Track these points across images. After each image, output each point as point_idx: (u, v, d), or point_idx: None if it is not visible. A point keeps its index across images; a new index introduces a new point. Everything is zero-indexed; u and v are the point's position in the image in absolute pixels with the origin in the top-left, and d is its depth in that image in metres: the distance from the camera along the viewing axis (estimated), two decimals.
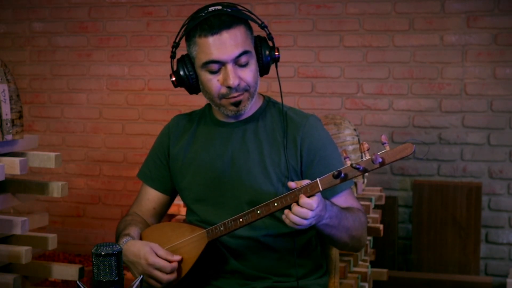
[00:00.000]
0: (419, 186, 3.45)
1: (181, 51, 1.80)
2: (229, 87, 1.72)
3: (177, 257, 1.70)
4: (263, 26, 1.80)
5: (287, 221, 1.56)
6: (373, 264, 3.02)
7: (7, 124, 2.02)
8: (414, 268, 3.45)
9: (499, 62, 3.45)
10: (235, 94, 1.74)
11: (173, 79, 1.81)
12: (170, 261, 1.69)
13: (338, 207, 1.67)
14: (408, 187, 3.60)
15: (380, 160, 1.49)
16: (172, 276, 1.68)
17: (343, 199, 1.78)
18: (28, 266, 2.12)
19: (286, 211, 1.56)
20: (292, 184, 1.57)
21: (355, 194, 2.70)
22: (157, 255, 1.68)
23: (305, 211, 1.53)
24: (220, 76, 1.73)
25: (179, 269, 1.72)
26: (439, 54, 3.52)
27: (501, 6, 3.43)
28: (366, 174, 2.43)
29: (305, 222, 1.54)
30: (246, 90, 1.75)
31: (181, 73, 1.79)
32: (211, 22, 1.70)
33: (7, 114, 2.02)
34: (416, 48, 3.55)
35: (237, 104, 1.75)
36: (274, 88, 3.67)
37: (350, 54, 3.64)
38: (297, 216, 1.54)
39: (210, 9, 1.73)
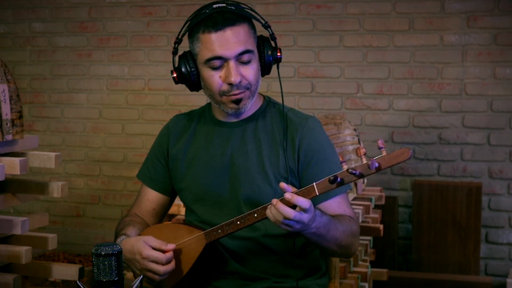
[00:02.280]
0: (419, 186, 3.44)
1: (183, 49, 1.81)
2: (230, 84, 1.72)
3: (171, 246, 1.68)
4: (266, 26, 1.80)
5: (267, 212, 1.55)
6: (373, 264, 3.02)
7: (7, 124, 2.02)
8: (414, 268, 3.44)
9: (499, 62, 3.45)
10: (236, 92, 1.73)
11: (174, 75, 1.81)
12: (164, 251, 1.67)
13: (328, 217, 1.63)
14: (408, 187, 3.60)
15: (377, 165, 1.49)
16: (169, 267, 1.66)
17: (336, 204, 1.77)
18: (28, 266, 2.12)
19: (273, 203, 1.54)
20: (284, 186, 1.55)
21: (355, 194, 2.69)
22: (150, 246, 1.67)
23: (290, 211, 1.51)
24: (222, 73, 1.73)
25: (178, 270, 1.71)
26: (439, 54, 3.52)
27: (501, 6, 3.43)
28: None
29: (280, 220, 1.51)
30: (247, 88, 1.75)
31: (183, 69, 1.79)
32: (215, 18, 1.70)
33: (7, 114, 2.02)
34: (416, 48, 3.55)
35: (237, 101, 1.75)
36: (274, 88, 3.67)
37: (350, 54, 3.63)
38: (279, 212, 1.51)
39: (215, 6, 1.73)
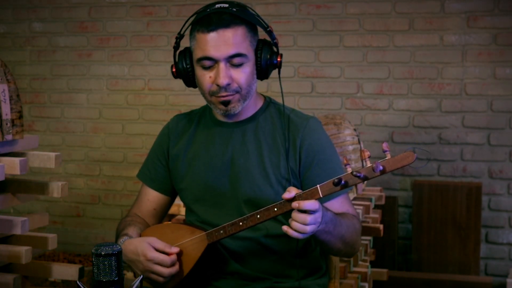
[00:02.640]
0: (419, 186, 3.44)
1: (185, 45, 1.81)
2: (218, 86, 1.72)
3: (175, 249, 1.69)
4: (268, 31, 1.79)
5: (290, 232, 1.53)
6: (373, 264, 3.02)
7: (7, 124, 2.02)
8: (414, 268, 3.44)
9: (499, 62, 3.45)
10: (224, 94, 1.73)
11: (174, 70, 1.82)
12: (168, 254, 1.68)
13: (332, 212, 1.65)
14: (408, 187, 3.60)
15: (381, 168, 1.50)
16: (174, 269, 1.67)
17: (339, 204, 1.77)
18: (28, 266, 2.12)
19: (286, 226, 1.54)
20: (286, 196, 1.56)
21: (355, 194, 2.69)
22: (154, 248, 1.67)
23: (304, 216, 1.52)
24: (212, 73, 1.73)
25: (179, 270, 1.71)
26: (439, 54, 3.52)
27: (501, 6, 3.43)
28: None
29: (307, 228, 1.52)
30: (237, 91, 1.73)
31: (180, 65, 1.80)
32: (211, 18, 1.70)
33: (7, 114, 2.02)
34: (416, 48, 3.55)
35: (226, 103, 1.74)
36: (274, 88, 3.67)
37: (350, 54, 3.63)
38: (297, 222, 1.52)
39: (217, 5, 1.73)
